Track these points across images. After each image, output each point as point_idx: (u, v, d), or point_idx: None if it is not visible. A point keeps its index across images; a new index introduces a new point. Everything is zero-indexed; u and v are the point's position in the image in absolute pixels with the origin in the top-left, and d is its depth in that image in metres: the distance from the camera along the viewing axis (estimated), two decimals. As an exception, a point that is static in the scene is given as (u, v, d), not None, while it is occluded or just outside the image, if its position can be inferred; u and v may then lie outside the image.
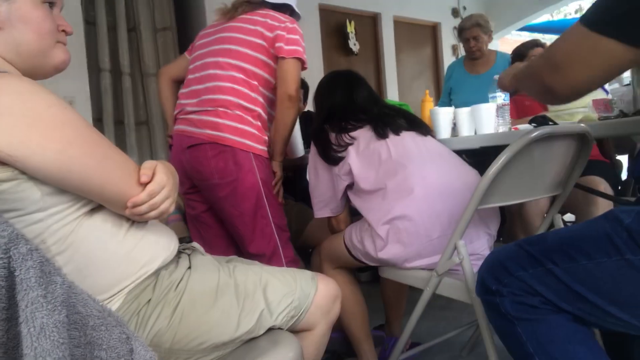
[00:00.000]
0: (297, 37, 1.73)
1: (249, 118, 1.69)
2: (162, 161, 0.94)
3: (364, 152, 1.51)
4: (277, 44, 1.70)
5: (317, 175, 1.64)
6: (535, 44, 2.69)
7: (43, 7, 0.89)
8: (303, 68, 1.77)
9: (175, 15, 3.77)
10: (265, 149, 1.74)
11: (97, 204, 0.87)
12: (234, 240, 1.84)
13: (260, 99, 1.74)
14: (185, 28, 3.95)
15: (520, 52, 2.69)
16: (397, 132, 1.54)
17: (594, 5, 0.78)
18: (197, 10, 3.91)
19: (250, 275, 1.03)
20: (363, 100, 1.67)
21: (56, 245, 0.82)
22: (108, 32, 3.41)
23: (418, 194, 1.39)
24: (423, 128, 1.62)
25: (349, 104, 1.67)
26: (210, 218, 1.84)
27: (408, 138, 1.55)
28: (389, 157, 1.48)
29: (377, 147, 1.51)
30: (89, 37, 3.34)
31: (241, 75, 1.70)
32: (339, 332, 1.82)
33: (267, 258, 1.70)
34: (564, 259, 0.87)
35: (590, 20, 0.77)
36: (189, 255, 1.06)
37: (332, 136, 1.57)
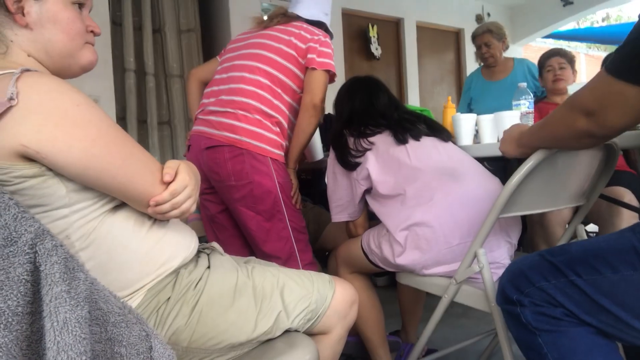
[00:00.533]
0: (329, 50, 1.76)
1: (268, 123, 1.70)
2: (184, 161, 0.95)
3: (383, 157, 1.51)
4: (309, 55, 1.73)
5: (336, 179, 1.63)
6: (549, 54, 2.65)
7: (73, 8, 0.91)
8: (331, 81, 1.80)
9: (200, 17, 3.82)
10: (283, 154, 1.75)
11: (120, 202, 0.88)
12: (247, 242, 1.85)
13: (283, 107, 1.75)
14: (209, 30, 4.00)
15: (541, 63, 2.67)
16: (417, 138, 1.54)
17: (616, 53, 0.82)
18: (222, 12, 3.96)
19: (268, 276, 1.04)
20: (383, 105, 1.67)
21: (80, 241, 0.83)
22: (134, 32, 3.47)
23: (438, 201, 1.38)
24: (444, 134, 1.61)
25: (368, 108, 1.67)
26: (226, 219, 1.85)
27: (429, 144, 1.54)
28: (409, 162, 1.47)
29: (397, 153, 1.50)
30: (115, 38, 3.40)
31: (266, 81, 1.71)
32: (355, 336, 1.82)
33: (283, 261, 1.70)
34: (588, 270, 0.86)
35: (615, 69, 0.81)
36: (208, 254, 1.07)
37: (351, 141, 1.57)
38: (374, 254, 1.51)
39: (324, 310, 1.06)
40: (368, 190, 1.57)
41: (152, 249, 0.91)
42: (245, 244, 1.87)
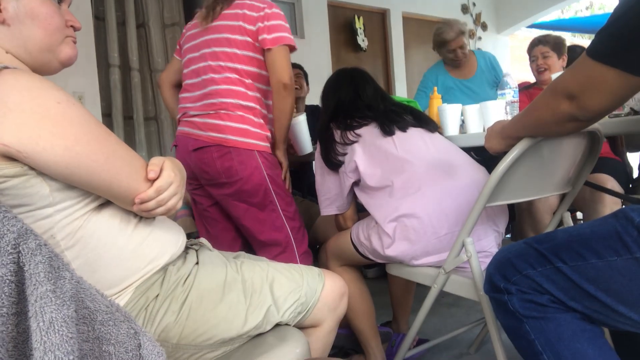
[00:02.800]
0: (278, 22, 1.70)
1: (250, 116, 1.71)
2: (170, 157, 0.94)
3: (370, 149, 1.51)
4: (260, 37, 1.68)
5: (324, 173, 1.64)
6: (534, 43, 2.66)
7: (51, 3, 0.89)
8: (292, 50, 1.74)
9: (184, 11, 3.78)
10: (268, 144, 1.76)
11: (105, 200, 0.88)
12: (240, 235, 1.87)
13: (258, 95, 1.75)
14: (193, 24, 3.95)
15: (527, 52, 2.68)
16: (403, 129, 1.54)
17: (597, 36, 0.82)
18: (206, 6, 3.91)
19: (257, 271, 1.04)
20: (369, 97, 1.67)
21: (65, 240, 0.82)
22: (117, 27, 3.42)
23: (425, 192, 1.39)
24: (430, 125, 1.62)
25: (354, 100, 1.66)
26: (217, 212, 1.86)
27: (416, 135, 1.55)
28: (396, 153, 1.47)
29: (384, 144, 1.50)
30: (98, 33, 3.36)
31: (235, 75, 1.71)
32: (346, 328, 1.83)
33: (282, 248, 1.73)
34: (573, 257, 0.87)
35: (595, 52, 0.81)
36: (196, 250, 1.06)
37: (337, 134, 1.57)
38: (363, 246, 1.52)
39: (314, 303, 1.07)
40: (356, 183, 1.57)
41: (139, 246, 0.91)
42: (237, 237, 1.89)
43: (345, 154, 1.56)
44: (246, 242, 1.89)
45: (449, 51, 2.89)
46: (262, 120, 1.74)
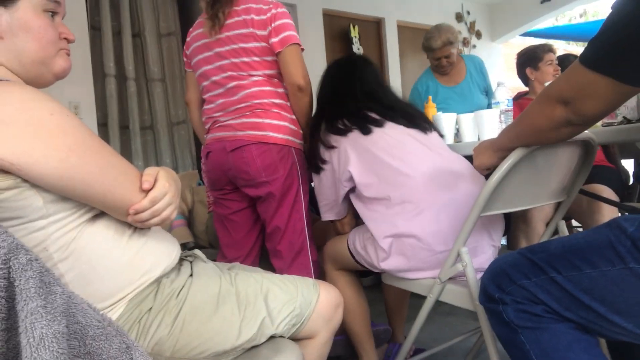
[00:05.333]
0: (284, 21, 1.68)
1: (285, 113, 1.74)
2: (164, 167, 0.94)
3: (365, 157, 1.49)
4: (271, 41, 1.67)
5: (320, 179, 1.64)
6: (549, 48, 2.67)
7: (45, 16, 0.89)
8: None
9: (180, 20, 3.79)
10: (302, 142, 1.79)
11: (99, 211, 0.87)
12: (259, 242, 1.90)
13: (285, 92, 1.76)
14: (189, 33, 3.96)
15: (537, 56, 2.65)
16: (394, 133, 1.51)
17: (589, 44, 0.83)
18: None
19: (252, 283, 1.03)
20: (369, 84, 1.65)
21: (58, 253, 0.82)
22: (113, 37, 3.43)
23: (424, 212, 1.35)
24: (425, 124, 1.58)
25: (338, 97, 1.65)
26: (244, 218, 1.87)
27: (409, 140, 1.51)
28: (392, 163, 1.44)
29: (379, 153, 1.47)
30: (94, 43, 3.36)
31: (261, 78, 1.72)
32: (342, 335, 1.82)
33: (295, 253, 1.75)
34: (568, 267, 0.87)
35: (587, 60, 0.82)
36: (190, 262, 1.06)
37: (323, 133, 1.59)
38: (359, 255, 1.51)
39: (309, 315, 1.06)
40: (352, 189, 1.56)
41: (134, 258, 0.90)
42: (256, 243, 1.90)
43: (325, 162, 1.56)
44: (263, 249, 1.92)
45: (434, 58, 2.87)
46: (293, 116, 1.77)
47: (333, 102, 1.66)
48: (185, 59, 1.94)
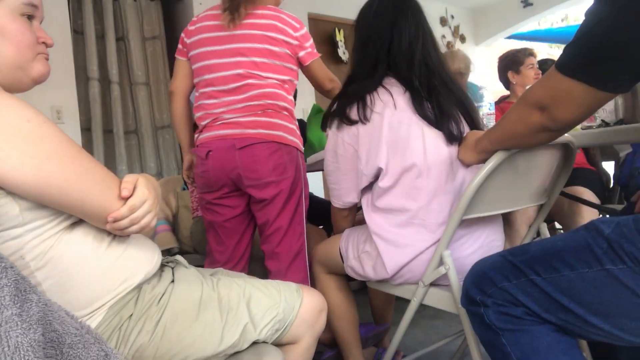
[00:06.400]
0: (311, 40, 1.84)
1: (292, 118, 1.80)
2: (144, 175, 0.93)
3: (398, 156, 1.28)
4: (301, 53, 1.79)
5: (337, 161, 1.41)
6: (530, 52, 2.71)
7: (22, 20, 0.88)
8: None
9: (164, 24, 3.77)
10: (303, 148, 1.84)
11: (77, 219, 0.86)
12: (249, 247, 1.90)
13: (293, 100, 1.84)
14: (174, 37, 3.94)
15: (518, 59, 2.69)
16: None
17: (565, 51, 0.84)
18: (186, 19, 3.91)
19: (234, 288, 1.03)
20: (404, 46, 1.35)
21: (35, 261, 0.81)
22: (96, 41, 3.40)
23: (430, 227, 1.29)
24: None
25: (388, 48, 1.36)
26: (237, 224, 1.84)
27: (444, 147, 1.29)
28: (420, 168, 1.27)
29: (413, 152, 1.27)
30: (77, 47, 3.33)
31: (277, 81, 1.76)
32: (334, 348, 1.81)
33: (293, 256, 1.75)
34: (547, 269, 0.88)
35: (562, 66, 0.84)
36: (172, 268, 1.05)
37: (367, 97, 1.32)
38: (351, 265, 1.46)
39: (292, 320, 1.06)
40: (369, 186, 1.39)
41: (113, 265, 0.89)
42: (247, 251, 1.90)
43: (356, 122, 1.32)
44: (251, 256, 1.93)
45: None
46: (297, 123, 1.82)
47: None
48: (180, 46, 1.88)
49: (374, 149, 1.30)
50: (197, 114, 1.81)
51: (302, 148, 1.83)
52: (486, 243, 1.36)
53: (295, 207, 1.76)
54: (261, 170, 1.69)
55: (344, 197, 1.45)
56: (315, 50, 1.85)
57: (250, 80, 1.72)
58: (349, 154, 1.37)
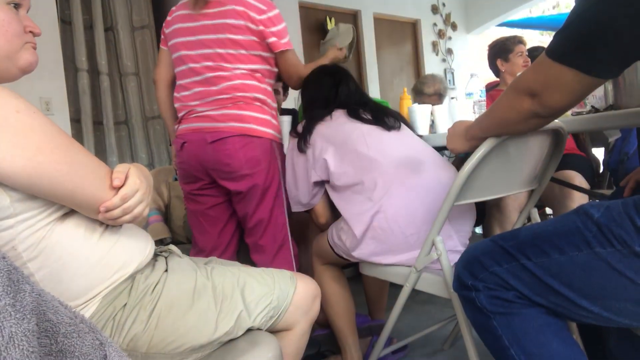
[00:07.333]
0: (283, 25, 1.74)
1: (266, 108, 1.74)
2: (135, 164, 0.93)
3: (342, 150, 1.52)
4: (271, 40, 1.70)
5: (294, 168, 1.65)
6: (519, 40, 2.72)
7: (8, 9, 0.87)
8: None
9: (154, 13, 3.73)
10: (280, 137, 1.80)
11: (69, 209, 0.86)
12: (236, 235, 1.88)
13: (268, 88, 1.78)
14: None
15: (507, 47, 2.70)
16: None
17: (555, 37, 0.84)
18: (176, 8, 3.87)
19: (228, 276, 1.03)
20: (346, 95, 1.70)
21: (27, 252, 0.81)
22: (85, 31, 3.35)
23: (393, 192, 1.40)
24: (391, 123, 1.62)
25: (328, 96, 1.70)
26: (220, 212, 1.84)
27: (384, 131, 1.56)
28: (366, 152, 1.48)
29: (357, 146, 1.50)
30: (65, 37, 3.28)
31: (245, 72, 1.71)
32: (326, 328, 1.83)
33: (277, 247, 1.75)
34: (537, 253, 0.89)
35: (553, 52, 0.84)
36: (166, 258, 1.05)
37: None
38: (337, 246, 1.53)
39: (286, 307, 1.07)
40: (327, 181, 1.58)
41: (106, 255, 0.89)
42: (234, 237, 1.88)
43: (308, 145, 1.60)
44: (241, 243, 1.90)
45: (421, 102, 2.95)
46: (273, 112, 1.77)
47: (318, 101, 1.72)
48: (162, 36, 1.88)
49: (319, 149, 1.55)
50: (175, 105, 1.82)
51: (279, 138, 1.79)
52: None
53: (274, 198, 1.73)
54: (233, 164, 1.67)
55: (294, 206, 1.68)
56: (286, 40, 1.75)
57: (219, 73, 1.69)
58: (300, 162, 1.62)
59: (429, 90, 2.92)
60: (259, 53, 1.71)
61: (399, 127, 1.60)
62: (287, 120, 2.18)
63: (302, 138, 1.60)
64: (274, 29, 1.70)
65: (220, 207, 1.83)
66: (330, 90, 1.71)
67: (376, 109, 1.65)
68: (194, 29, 1.72)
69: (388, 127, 1.58)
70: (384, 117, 1.61)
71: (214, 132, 1.67)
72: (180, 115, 1.79)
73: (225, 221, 1.85)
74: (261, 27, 1.68)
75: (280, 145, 1.79)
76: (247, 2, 1.68)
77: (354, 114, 1.60)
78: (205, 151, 1.68)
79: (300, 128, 1.65)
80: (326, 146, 1.54)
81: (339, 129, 1.57)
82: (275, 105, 1.81)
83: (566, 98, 0.87)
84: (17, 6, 0.89)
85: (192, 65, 1.73)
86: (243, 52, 1.69)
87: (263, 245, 1.74)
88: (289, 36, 1.77)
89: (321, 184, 1.60)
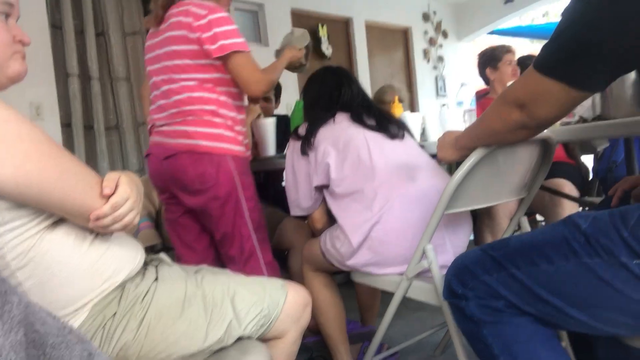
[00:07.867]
0: (227, 27, 1.61)
1: (218, 120, 1.67)
2: (126, 172, 0.92)
3: (344, 154, 1.51)
4: (205, 47, 1.61)
5: (294, 171, 1.64)
6: (508, 49, 2.75)
7: (-3, 19, 0.87)
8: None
9: (145, 19, 3.73)
10: (242, 149, 1.74)
11: (59, 217, 0.85)
12: (214, 245, 1.85)
13: (222, 98, 1.69)
14: (155, 32, 3.90)
15: (495, 56, 2.72)
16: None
17: (542, 50, 0.85)
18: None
19: (218, 285, 1.03)
20: (349, 96, 1.69)
21: (16, 261, 0.80)
22: (75, 36, 3.34)
23: (393, 203, 1.39)
24: (393, 130, 1.62)
25: (330, 97, 1.69)
26: (190, 220, 1.83)
27: (383, 138, 1.56)
28: (367, 160, 1.47)
29: (361, 151, 1.50)
30: (56, 42, 3.26)
31: (193, 83, 1.67)
32: (317, 334, 1.83)
33: (245, 258, 1.72)
34: (526, 263, 0.89)
35: (540, 65, 0.85)
36: (156, 266, 1.05)
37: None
38: (329, 252, 1.53)
39: (277, 315, 1.06)
40: (325, 186, 1.57)
41: (95, 263, 0.89)
42: (211, 243, 1.86)
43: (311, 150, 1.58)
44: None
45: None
46: (230, 122, 1.70)
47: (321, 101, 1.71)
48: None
49: (322, 153, 1.54)
50: (148, 118, 1.85)
51: (236, 150, 1.70)
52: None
53: (234, 211, 1.69)
54: (184, 180, 1.66)
55: (293, 210, 1.67)
56: (230, 42, 1.60)
57: (170, 86, 1.69)
58: (302, 165, 1.61)
59: (389, 99, 2.94)
60: (207, 62, 1.65)
61: (402, 136, 1.60)
62: (271, 122, 2.17)
63: (306, 141, 1.59)
64: (209, 33, 1.59)
65: (189, 215, 1.82)
66: (333, 90, 1.70)
67: (380, 115, 1.64)
68: (154, 46, 1.76)
69: (391, 136, 1.57)
70: (388, 124, 1.61)
71: (167, 148, 1.69)
72: (148, 128, 1.84)
73: (198, 229, 1.84)
74: (198, 34, 1.60)
75: (240, 158, 1.72)
76: (191, 10, 1.63)
77: (357, 119, 1.59)
78: (161, 165, 1.71)
79: (302, 130, 1.64)
80: (329, 150, 1.54)
81: (342, 133, 1.56)
82: (233, 114, 1.72)
83: (554, 110, 0.88)
84: (6, 16, 0.88)
85: (154, 78, 1.77)
86: (188, 62, 1.66)
87: (233, 256, 1.74)
88: (236, 31, 1.64)
89: (321, 189, 1.59)
